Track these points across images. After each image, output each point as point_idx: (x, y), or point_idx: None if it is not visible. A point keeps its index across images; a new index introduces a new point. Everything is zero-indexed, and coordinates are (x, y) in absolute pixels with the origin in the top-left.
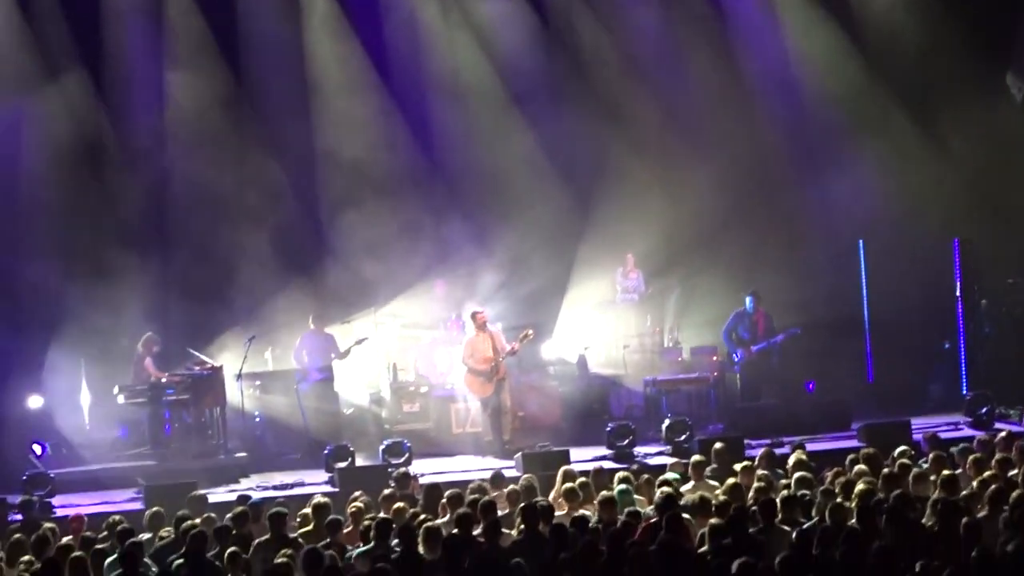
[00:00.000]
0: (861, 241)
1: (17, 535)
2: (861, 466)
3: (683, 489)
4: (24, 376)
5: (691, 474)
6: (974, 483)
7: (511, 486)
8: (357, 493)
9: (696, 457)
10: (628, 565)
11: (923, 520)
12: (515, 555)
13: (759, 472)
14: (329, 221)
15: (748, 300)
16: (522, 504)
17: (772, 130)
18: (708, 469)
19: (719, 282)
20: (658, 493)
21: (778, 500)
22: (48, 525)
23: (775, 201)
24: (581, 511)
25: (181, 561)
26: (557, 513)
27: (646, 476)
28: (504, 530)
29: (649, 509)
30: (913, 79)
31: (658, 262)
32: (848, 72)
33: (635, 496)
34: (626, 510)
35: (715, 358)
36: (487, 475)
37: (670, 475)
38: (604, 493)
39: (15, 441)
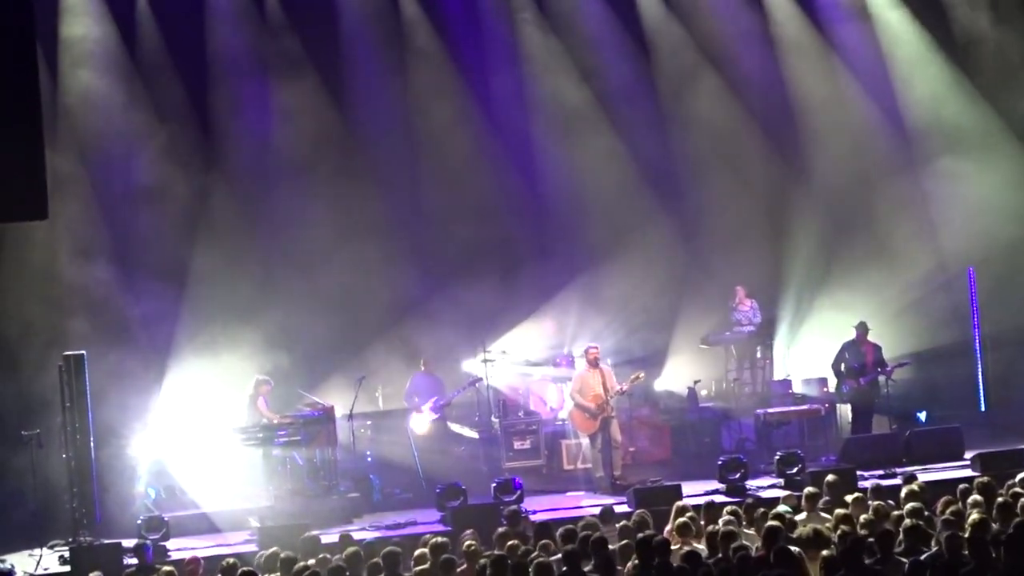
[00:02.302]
0: (971, 269)
1: None
2: (975, 496)
3: (796, 520)
4: (136, 418)
5: (804, 506)
6: None
7: (623, 522)
8: (468, 531)
9: (809, 489)
10: None
11: None
12: None
13: (873, 503)
14: (434, 258)
15: (856, 331)
16: (637, 538)
17: (877, 155)
18: (820, 501)
19: (828, 312)
20: (766, 526)
21: (899, 530)
22: (165, 568)
23: (882, 228)
24: (694, 545)
25: None
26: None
27: (762, 510)
28: (617, 567)
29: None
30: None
31: (767, 293)
32: (956, 94)
33: (746, 531)
34: (732, 545)
35: (825, 390)
36: (598, 511)
37: (782, 508)
38: (713, 527)
39: (126, 484)
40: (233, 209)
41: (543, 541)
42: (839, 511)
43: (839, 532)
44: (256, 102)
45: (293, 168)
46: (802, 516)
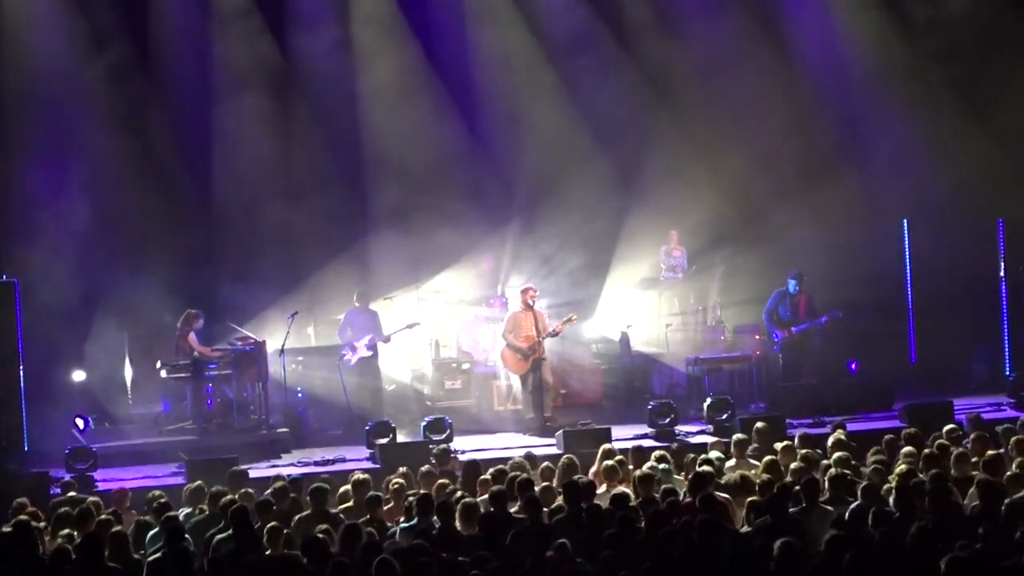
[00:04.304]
0: (905, 221)
1: (60, 509)
2: (906, 447)
3: (724, 468)
4: (68, 350)
5: (733, 453)
6: (1016, 464)
7: (545, 463)
8: (403, 470)
9: (737, 436)
10: (667, 543)
11: (964, 501)
12: (555, 531)
13: (800, 451)
14: (373, 196)
15: (791, 281)
16: (565, 481)
17: (817, 107)
18: (749, 448)
19: (763, 261)
20: (694, 472)
21: (824, 479)
22: (91, 499)
23: (819, 179)
24: (621, 489)
25: (224, 536)
26: (597, 491)
27: (690, 455)
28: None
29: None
30: (960, 56)
31: (702, 240)
32: (894, 49)
33: (675, 476)
34: (662, 488)
35: (757, 337)
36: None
37: (712, 454)
38: (641, 471)
39: (58, 415)
40: (171, 136)
41: (470, 481)
42: (767, 458)
43: (764, 479)
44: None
45: (231, 99)
46: (731, 463)
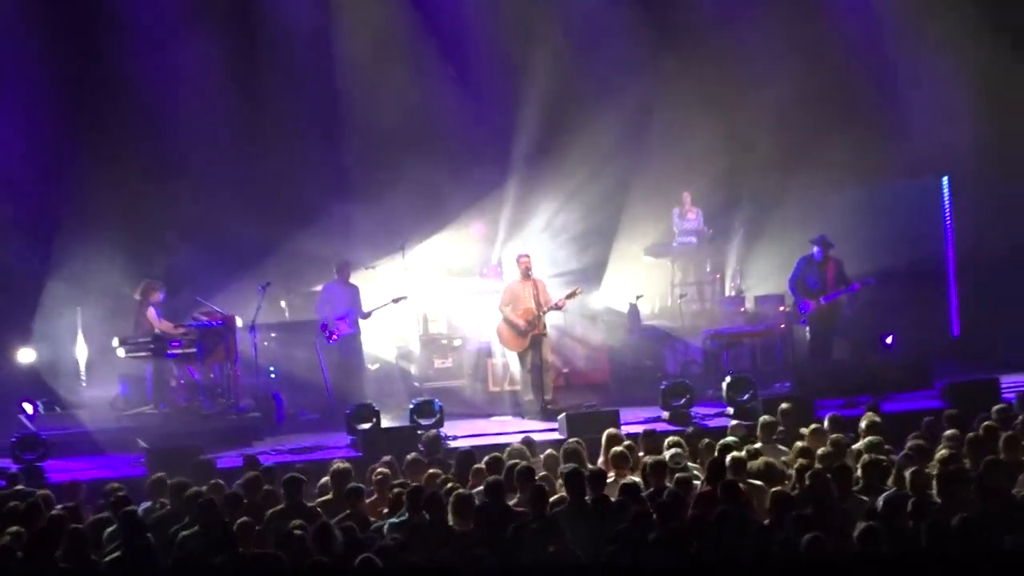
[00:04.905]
0: (945, 178)
1: (6, 504)
2: (948, 430)
3: (748, 453)
4: (13, 326)
5: (759, 437)
6: None
7: (548, 451)
8: (387, 458)
9: (765, 418)
10: (682, 538)
11: (1015, 490)
12: (558, 526)
13: (830, 435)
14: (353, 153)
15: (816, 245)
16: (567, 471)
17: (843, 50)
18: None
19: (787, 224)
20: (712, 459)
21: (857, 466)
22: (40, 492)
23: (847, 132)
24: (631, 478)
25: (188, 533)
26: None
27: (705, 440)
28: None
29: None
30: None
31: (718, 201)
32: None
33: (690, 464)
34: (676, 477)
35: (782, 309)
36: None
37: (731, 439)
38: (652, 458)
39: (3, 400)
40: (126, 84)
41: (464, 470)
42: (798, 444)
43: (798, 466)
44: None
45: (193, 37)
46: (756, 448)
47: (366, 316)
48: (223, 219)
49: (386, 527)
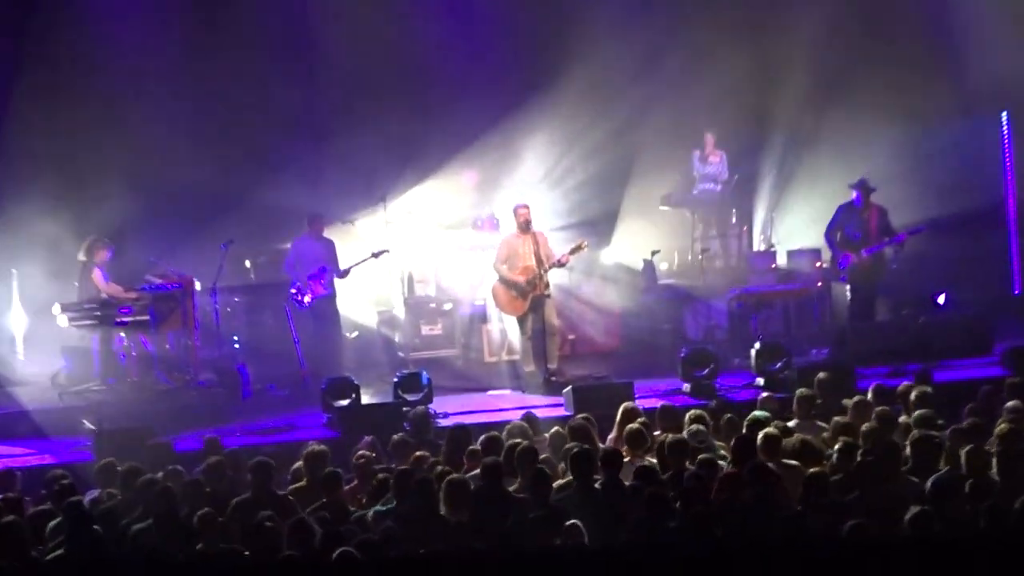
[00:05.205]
0: (1005, 113)
1: None
2: (1010, 401)
3: (782, 429)
4: None
5: (795, 412)
6: None
7: (554, 428)
8: (368, 439)
9: (802, 391)
10: (705, 526)
11: None
12: (564, 514)
13: (875, 408)
14: (324, 90)
15: (856, 190)
16: (574, 451)
17: None
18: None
19: (823, 168)
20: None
21: (906, 443)
22: None
23: (891, 63)
24: (648, 460)
25: (142, 526)
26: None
27: (731, 416)
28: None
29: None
30: None
31: (745, 143)
32: None
33: (715, 442)
34: (698, 458)
35: (818, 264)
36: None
37: (760, 413)
38: (672, 436)
39: None
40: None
41: (456, 452)
42: (837, 419)
43: (843, 443)
44: None
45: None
46: (790, 424)
47: (343, 275)
48: (179, 167)
49: (370, 516)
